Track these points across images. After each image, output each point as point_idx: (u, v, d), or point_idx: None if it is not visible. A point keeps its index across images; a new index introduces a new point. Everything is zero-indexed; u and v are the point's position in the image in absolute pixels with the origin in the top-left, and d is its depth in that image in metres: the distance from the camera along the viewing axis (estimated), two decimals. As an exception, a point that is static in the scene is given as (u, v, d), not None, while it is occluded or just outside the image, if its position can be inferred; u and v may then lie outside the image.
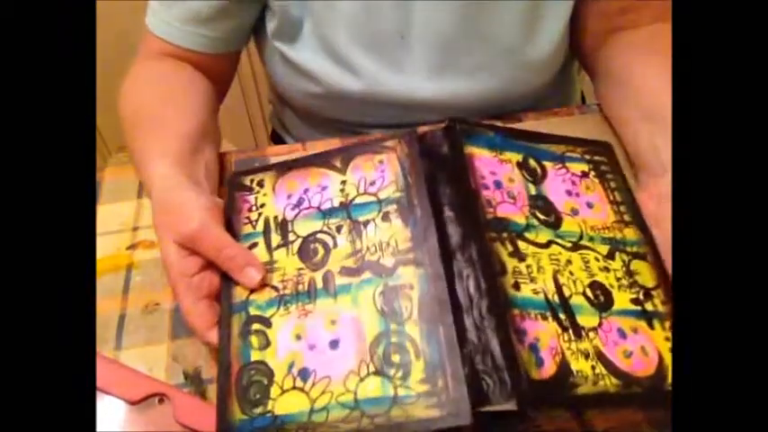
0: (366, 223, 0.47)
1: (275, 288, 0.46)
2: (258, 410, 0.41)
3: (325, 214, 0.48)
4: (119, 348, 0.49)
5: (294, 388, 0.41)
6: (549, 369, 0.39)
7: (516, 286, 0.42)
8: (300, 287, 0.45)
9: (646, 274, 0.46)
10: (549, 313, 0.42)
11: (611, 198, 0.51)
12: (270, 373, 0.42)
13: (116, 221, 0.58)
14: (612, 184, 0.52)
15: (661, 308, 0.44)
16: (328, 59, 0.63)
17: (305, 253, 0.47)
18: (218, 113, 0.66)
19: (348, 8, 0.59)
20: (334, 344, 0.42)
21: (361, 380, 0.40)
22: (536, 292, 0.42)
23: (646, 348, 0.42)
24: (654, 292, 0.45)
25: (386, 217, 0.46)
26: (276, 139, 0.86)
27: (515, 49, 0.62)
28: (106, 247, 0.55)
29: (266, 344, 0.43)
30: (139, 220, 0.58)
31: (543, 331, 0.41)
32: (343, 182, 0.50)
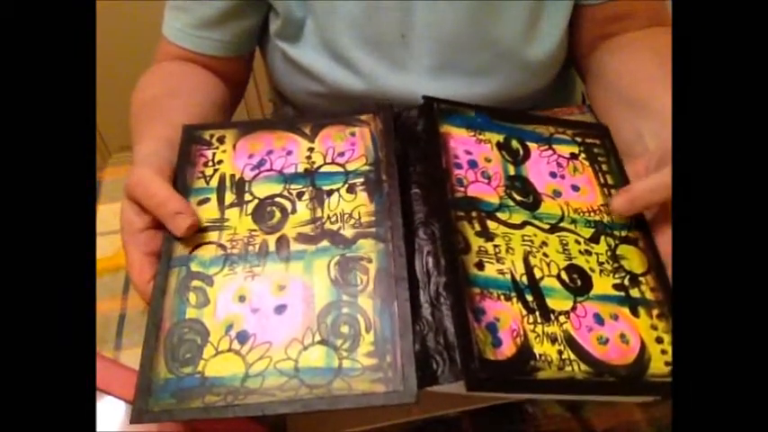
0: (330, 192, 0.45)
1: (222, 246, 0.43)
2: (187, 370, 0.38)
3: (287, 179, 0.46)
4: (119, 348, 0.49)
5: (230, 350, 0.39)
6: (507, 350, 0.37)
7: (480, 265, 0.41)
8: (251, 248, 0.43)
9: (634, 260, 0.44)
10: (513, 294, 0.40)
11: (602, 181, 0.49)
12: (205, 333, 0.39)
13: (116, 221, 0.57)
14: (604, 167, 0.50)
15: (649, 295, 0.42)
16: (330, 59, 0.63)
17: (260, 215, 0.45)
18: (230, 115, 0.67)
19: (349, 8, 0.60)
20: (280, 309, 0.40)
21: (305, 348, 0.38)
22: (501, 273, 0.41)
23: (626, 336, 0.40)
24: (642, 279, 0.43)
25: (351, 189, 0.45)
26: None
27: (516, 50, 0.62)
28: (106, 247, 0.55)
29: (205, 302, 0.41)
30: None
31: (504, 311, 0.39)
32: (311, 149, 0.48)
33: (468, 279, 0.40)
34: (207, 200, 0.46)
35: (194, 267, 0.42)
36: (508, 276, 0.41)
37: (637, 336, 0.40)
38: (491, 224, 0.43)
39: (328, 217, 0.44)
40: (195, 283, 0.42)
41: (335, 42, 0.62)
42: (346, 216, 0.44)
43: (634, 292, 0.43)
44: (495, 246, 0.42)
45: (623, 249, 0.45)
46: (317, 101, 0.67)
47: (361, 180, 0.45)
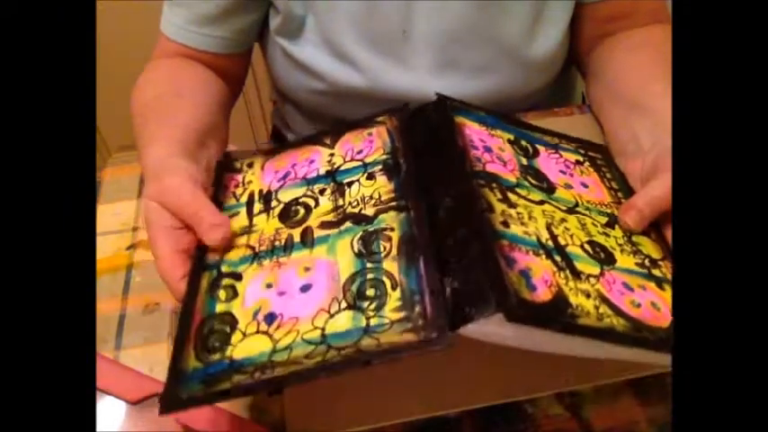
0: (350, 184, 0.46)
1: (251, 247, 0.44)
2: (215, 357, 0.38)
3: (310, 182, 0.48)
4: (119, 348, 0.49)
5: (258, 332, 0.38)
6: (543, 295, 0.36)
7: (505, 224, 0.40)
8: (277, 243, 0.44)
9: (649, 247, 0.44)
10: (542, 251, 0.39)
11: (608, 185, 0.50)
12: (233, 322, 0.39)
13: (116, 221, 0.58)
14: (608, 175, 0.51)
15: (670, 276, 0.42)
16: (330, 55, 0.63)
17: (285, 215, 0.46)
18: (230, 113, 0.67)
19: (350, 5, 0.60)
20: (305, 288, 0.40)
21: (331, 316, 0.38)
22: (527, 233, 0.40)
23: (657, 304, 0.39)
24: (661, 263, 0.43)
25: (371, 176, 0.46)
26: (277, 137, 0.86)
27: (518, 48, 0.62)
28: (106, 247, 0.55)
29: (233, 296, 0.41)
30: (139, 220, 0.58)
31: (536, 263, 0.38)
32: (332, 154, 0.49)
33: (495, 232, 0.39)
34: (237, 213, 0.47)
35: (225, 269, 0.43)
36: (534, 238, 0.40)
37: (667, 306, 0.39)
38: (512, 196, 0.43)
39: (349, 203, 0.45)
40: (225, 281, 0.42)
41: (336, 39, 0.62)
42: (367, 198, 0.44)
43: (656, 272, 0.42)
44: (518, 213, 0.42)
45: (638, 238, 0.45)
46: (318, 99, 0.67)
47: (380, 167, 0.46)
